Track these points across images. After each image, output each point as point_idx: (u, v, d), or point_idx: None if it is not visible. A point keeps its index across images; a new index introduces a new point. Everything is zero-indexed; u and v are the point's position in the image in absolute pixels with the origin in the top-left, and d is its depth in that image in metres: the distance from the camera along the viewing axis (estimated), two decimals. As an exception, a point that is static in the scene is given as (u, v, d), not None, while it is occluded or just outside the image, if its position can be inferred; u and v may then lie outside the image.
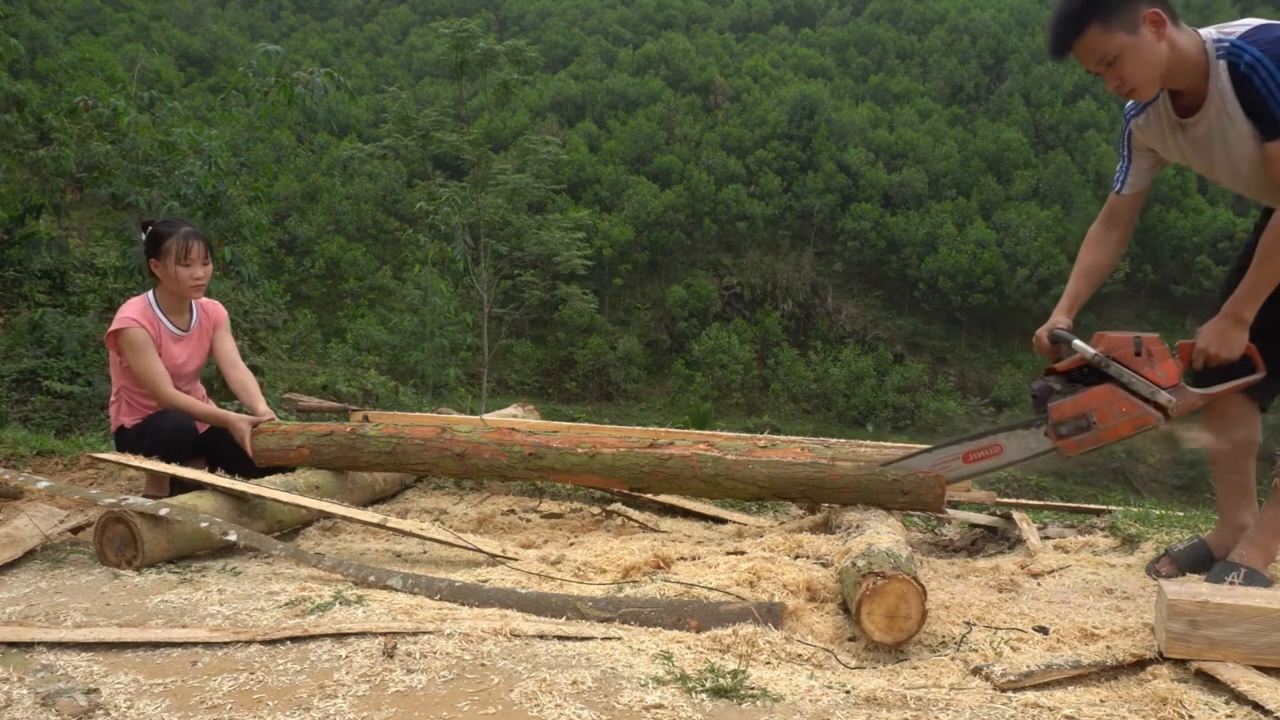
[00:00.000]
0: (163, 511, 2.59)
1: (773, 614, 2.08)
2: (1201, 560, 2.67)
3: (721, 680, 1.75)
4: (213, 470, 3.34)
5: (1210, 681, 1.77)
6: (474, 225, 16.56)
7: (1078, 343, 2.56)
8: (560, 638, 2.00)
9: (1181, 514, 3.56)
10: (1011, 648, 2.01)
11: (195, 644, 1.94)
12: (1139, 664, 1.86)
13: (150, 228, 3.52)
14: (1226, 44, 2.30)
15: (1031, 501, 3.96)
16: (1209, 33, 2.36)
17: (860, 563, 2.11)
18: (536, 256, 18.99)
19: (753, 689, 1.73)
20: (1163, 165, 2.67)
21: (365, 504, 3.43)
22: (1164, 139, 2.55)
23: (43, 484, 3.02)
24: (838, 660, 1.95)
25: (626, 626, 2.09)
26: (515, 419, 4.35)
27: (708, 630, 2.04)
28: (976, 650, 1.99)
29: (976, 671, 1.86)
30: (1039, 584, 2.61)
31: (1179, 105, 2.46)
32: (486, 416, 4.25)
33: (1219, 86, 2.32)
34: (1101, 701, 1.72)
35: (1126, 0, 2.28)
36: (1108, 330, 2.55)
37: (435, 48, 20.20)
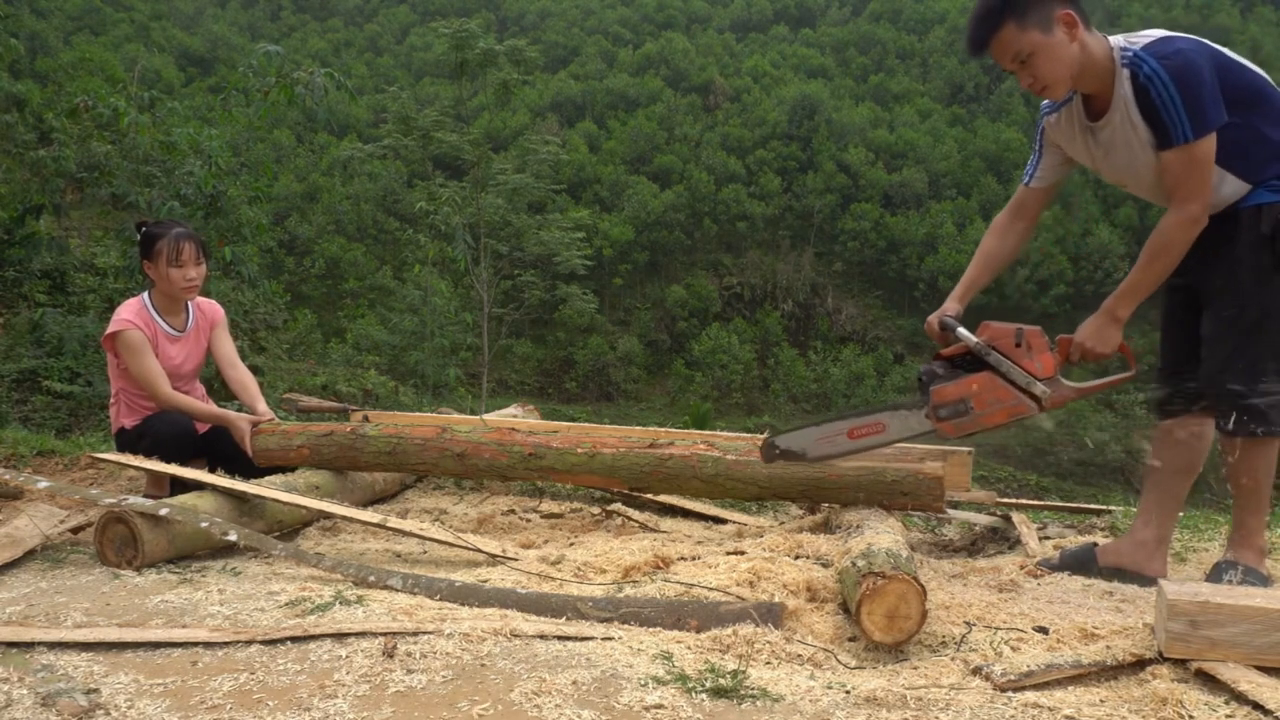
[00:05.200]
0: (163, 511, 2.59)
1: (772, 614, 2.08)
2: (1083, 561, 2.74)
3: (721, 680, 1.75)
4: (213, 471, 3.34)
5: (1210, 681, 1.77)
6: (474, 225, 16.55)
7: (961, 330, 2.66)
8: (560, 638, 2.00)
9: (1181, 514, 3.55)
10: (1011, 648, 2.00)
11: (195, 644, 1.94)
12: (1139, 664, 1.86)
13: (143, 229, 3.51)
14: (1130, 53, 2.40)
15: (1031, 502, 3.96)
16: (1117, 40, 2.47)
17: (860, 563, 2.11)
18: (536, 256, 18.97)
19: (753, 689, 1.73)
20: (1072, 165, 2.76)
21: (365, 504, 3.43)
22: (1073, 140, 2.64)
23: (43, 484, 3.01)
24: (838, 660, 1.95)
25: (626, 626, 2.09)
26: (515, 419, 4.35)
27: (708, 630, 2.03)
28: (976, 650, 1.99)
29: (976, 671, 1.86)
30: (1039, 584, 2.61)
31: (1089, 109, 2.55)
32: (486, 416, 4.25)
33: (1123, 93, 2.43)
34: (1101, 701, 1.72)
35: (1041, 0, 2.38)
36: (993, 321, 2.63)
37: (435, 48, 20.19)
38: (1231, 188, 2.43)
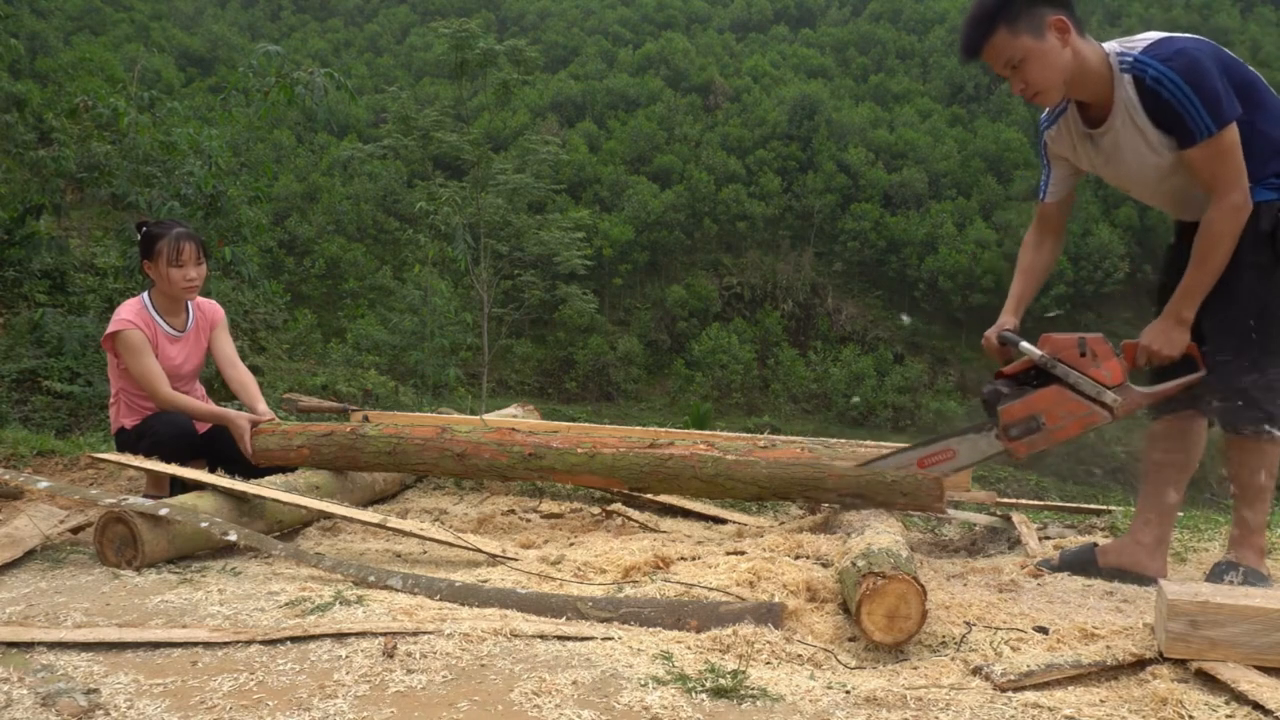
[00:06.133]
0: (163, 511, 2.59)
1: (772, 614, 2.08)
2: (1083, 561, 2.74)
3: (721, 680, 1.75)
4: (213, 471, 3.34)
5: (1210, 681, 1.77)
6: (474, 225, 16.55)
7: (1025, 345, 2.62)
8: (560, 638, 2.00)
9: (1181, 514, 3.56)
10: (1011, 648, 2.00)
11: (195, 644, 1.94)
12: (1139, 664, 1.86)
13: (143, 229, 3.51)
14: (1130, 58, 2.40)
15: (1031, 502, 3.96)
16: (1111, 46, 2.46)
17: (860, 563, 2.11)
18: (536, 256, 18.96)
19: (753, 689, 1.73)
20: (1081, 174, 2.76)
21: (365, 504, 3.42)
22: (1074, 149, 2.65)
23: (43, 484, 3.01)
24: (838, 660, 1.95)
25: (626, 626, 2.09)
26: (515, 419, 4.35)
27: (708, 630, 2.03)
28: (976, 650, 1.99)
29: (976, 671, 1.86)
30: (1039, 584, 2.61)
31: (1086, 117, 2.55)
32: (486, 417, 4.25)
33: (1124, 99, 2.42)
34: (1102, 701, 1.72)
35: (1033, 5, 2.39)
36: (1054, 332, 2.60)
37: (435, 48, 20.17)
38: None
